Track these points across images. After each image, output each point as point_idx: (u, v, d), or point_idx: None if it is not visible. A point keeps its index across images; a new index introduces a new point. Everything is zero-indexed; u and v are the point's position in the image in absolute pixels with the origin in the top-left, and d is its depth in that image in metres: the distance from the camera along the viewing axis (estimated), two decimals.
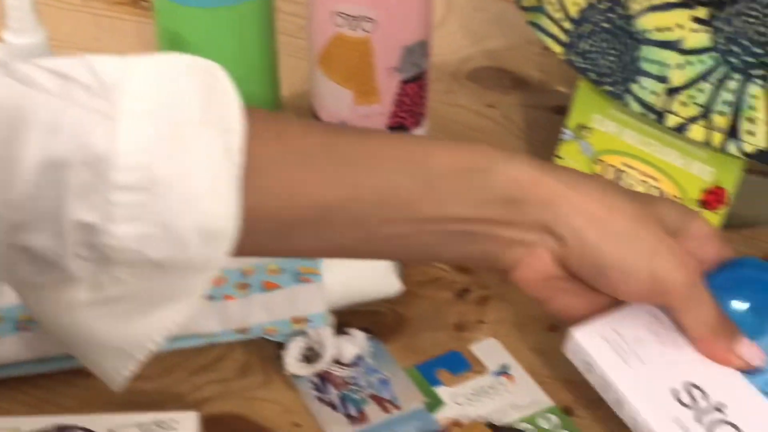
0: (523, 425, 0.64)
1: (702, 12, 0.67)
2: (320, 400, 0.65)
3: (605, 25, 0.71)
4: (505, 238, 0.57)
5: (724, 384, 0.59)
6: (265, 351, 0.68)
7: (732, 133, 0.67)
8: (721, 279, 0.60)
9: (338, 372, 0.66)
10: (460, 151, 0.56)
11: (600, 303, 0.60)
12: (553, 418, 0.65)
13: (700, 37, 0.67)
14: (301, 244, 0.55)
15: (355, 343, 0.66)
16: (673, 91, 0.68)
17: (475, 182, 0.55)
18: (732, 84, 0.67)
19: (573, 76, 0.75)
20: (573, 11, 0.72)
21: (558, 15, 0.73)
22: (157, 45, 0.78)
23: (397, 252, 0.58)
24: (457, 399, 0.66)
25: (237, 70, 0.75)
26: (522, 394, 0.66)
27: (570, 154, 0.76)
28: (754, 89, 0.66)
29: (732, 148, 0.67)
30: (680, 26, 0.68)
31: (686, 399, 0.58)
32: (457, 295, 0.72)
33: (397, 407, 0.65)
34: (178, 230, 0.49)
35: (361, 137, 0.55)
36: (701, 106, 0.68)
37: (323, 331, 0.66)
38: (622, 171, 0.74)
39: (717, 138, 0.68)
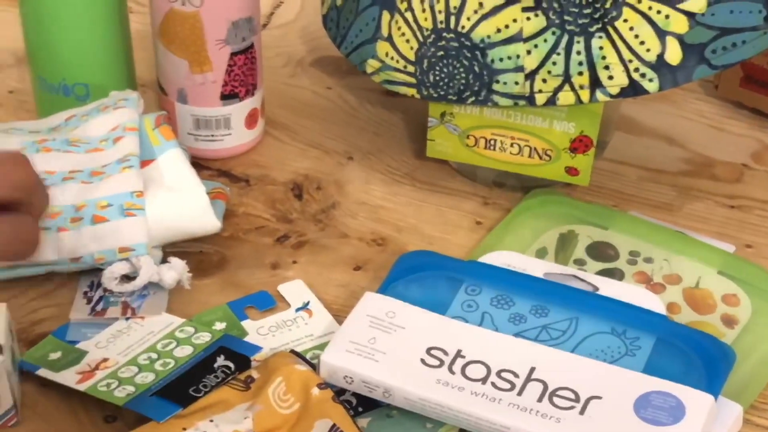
0: (315, 352, 0.72)
1: (527, 0, 0.75)
2: (85, 294, 0.75)
3: (440, 53, 0.78)
4: None
5: (450, 335, 0.70)
6: None
7: (595, 84, 0.75)
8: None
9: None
10: None
11: None
12: None
13: (535, 22, 0.75)
14: None
15: (174, 270, 0.75)
16: (531, 75, 0.76)
17: None
18: (578, 46, 0.75)
19: None
20: (410, 55, 0.80)
21: (399, 65, 0.81)
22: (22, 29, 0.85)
23: None
24: (260, 331, 0.74)
25: (95, 54, 0.84)
26: (318, 327, 0.75)
27: (440, 135, 0.83)
28: (598, 42, 0.74)
29: (600, 96, 0.76)
30: (515, 20, 0.75)
31: (433, 361, 0.68)
32: (277, 240, 0.82)
33: (135, 315, 0.74)
34: None
35: None
36: (560, 75, 0.76)
37: (144, 259, 0.74)
38: (493, 139, 0.82)
39: (585, 95, 0.76)
